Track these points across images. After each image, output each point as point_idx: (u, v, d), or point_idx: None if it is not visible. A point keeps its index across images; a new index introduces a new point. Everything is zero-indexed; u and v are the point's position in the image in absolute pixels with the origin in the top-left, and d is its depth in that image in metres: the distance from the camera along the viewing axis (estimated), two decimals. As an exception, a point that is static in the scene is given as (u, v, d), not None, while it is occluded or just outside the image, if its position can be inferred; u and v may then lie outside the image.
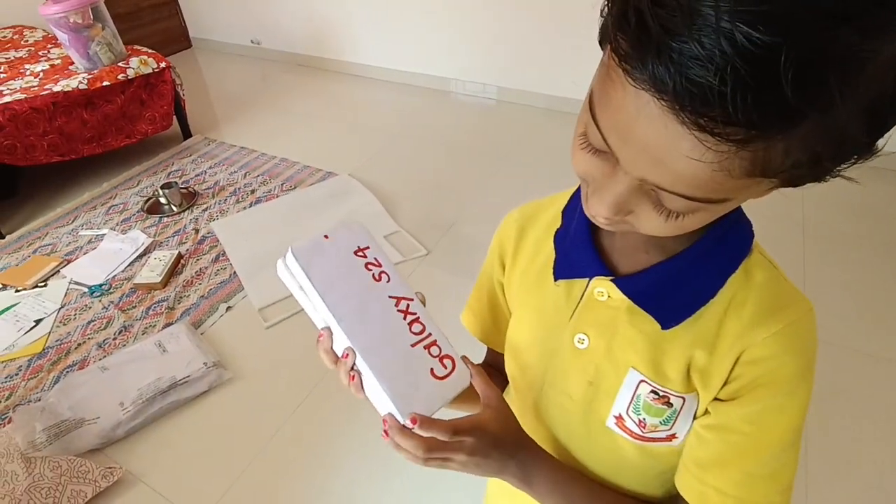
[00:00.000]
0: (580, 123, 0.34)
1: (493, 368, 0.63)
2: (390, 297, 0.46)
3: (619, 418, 0.45)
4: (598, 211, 0.35)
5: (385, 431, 0.42)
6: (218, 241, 2.22)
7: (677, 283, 0.42)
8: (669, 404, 0.43)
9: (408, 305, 0.46)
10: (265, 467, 1.44)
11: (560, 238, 0.49)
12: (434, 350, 0.45)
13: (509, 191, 2.47)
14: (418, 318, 0.46)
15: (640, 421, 0.44)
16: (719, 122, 0.24)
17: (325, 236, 0.46)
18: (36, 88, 2.35)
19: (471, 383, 0.45)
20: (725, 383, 0.41)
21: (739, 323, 0.40)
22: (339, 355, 0.44)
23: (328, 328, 0.44)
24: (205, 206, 2.45)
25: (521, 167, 2.65)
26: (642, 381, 0.43)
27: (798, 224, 2.19)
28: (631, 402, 0.44)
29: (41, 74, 2.52)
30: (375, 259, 0.47)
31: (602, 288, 0.45)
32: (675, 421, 0.43)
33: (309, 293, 0.44)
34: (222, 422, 1.55)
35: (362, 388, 0.43)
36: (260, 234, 2.25)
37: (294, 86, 3.68)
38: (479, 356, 0.69)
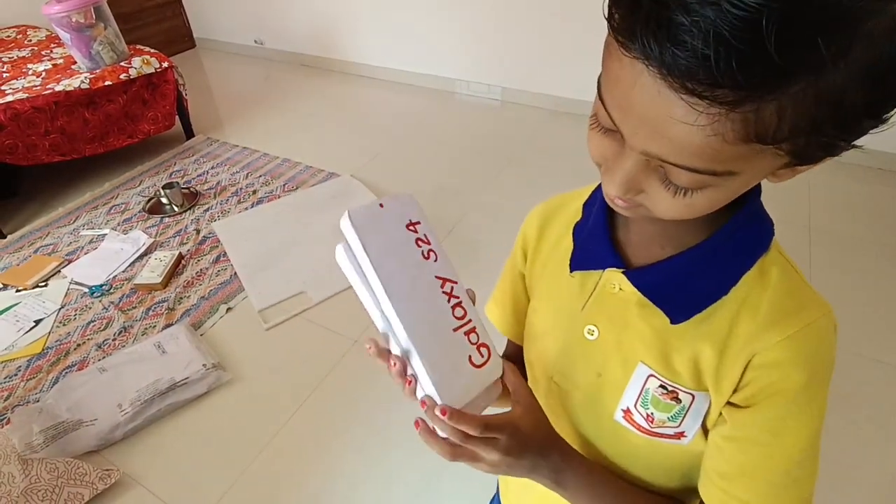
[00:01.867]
0: (593, 107, 0.35)
1: (511, 362, 0.64)
2: (437, 277, 0.43)
3: (626, 412, 0.45)
4: (609, 190, 0.35)
5: (416, 422, 0.41)
6: (219, 241, 2.21)
7: (689, 277, 0.41)
8: (678, 400, 0.42)
9: (452, 288, 0.43)
10: (264, 470, 1.43)
11: (579, 231, 0.50)
12: (473, 337, 0.43)
13: (513, 192, 2.46)
14: (461, 302, 0.43)
15: (648, 415, 0.44)
16: (706, 84, 0.25)
17: (381, 204, 0.43)
18: (38, 88, 2.35)
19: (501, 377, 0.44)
20: (737, 388, 0.40)
21: (752, 324, 0.39)
22: (397, 354, 0.42)
23: (383, 313, 0.41)
24: (206, 206, 2.44)
25: (525, 168, 2.64)
26: (651, 375, 0.43)
27: (804, 227, 2.16)
28: (639, 396, 0.44)
29: (43, 74, 2.52)
30: (425, 236, 0.44)
31: (614, 280, 0.45)
32: (684, 418, 0.43)
33: (363, 265, 0.41)
34: (221, 424, 1.54)
35: (414, 392, 0.41)
36: (261, 234, 2.24)
37: (297, 86, 3.68)
38: (500, 350, 0.69)
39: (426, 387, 0.41)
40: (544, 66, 3.06)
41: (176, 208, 2.41)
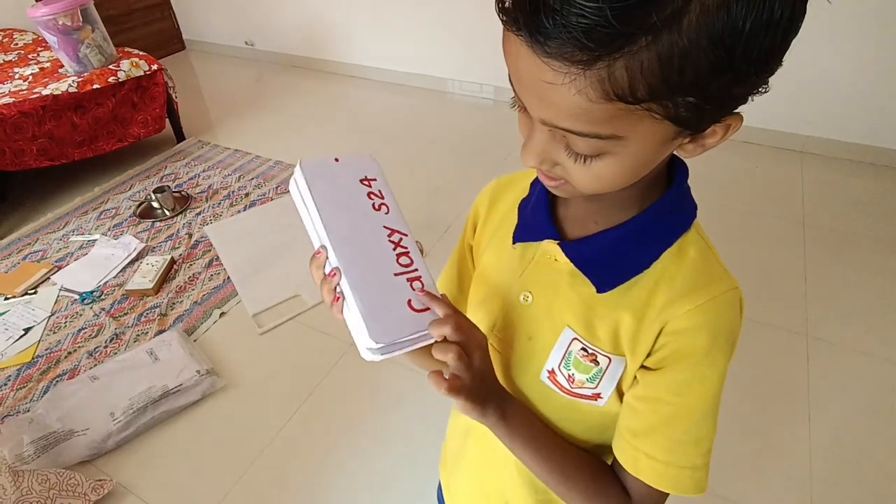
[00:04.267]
0: None
1: None
2: (385, 226, 0.46)
3: (551, 373, 0.49)
4: (525, 160, 0.39)
5: (435, 372, 0.43)
6: (211, 245, 2.19)
7: (616, 251, 0.45)
8: (596, 362, 0.47)
9: (400, 239, 0.46)
10: (259, 478, 1.41)
11: (523, 206, 0.54)
12: (416, 284, 0.45)
13: (507, 191, 2.44)
14: (408, 252, 0.46)
15: (569, 376, 0.48)
16: (558, 46, 0.29)
17: (336, 159, 0.47)
18: (25, 92, 2.32)
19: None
20: (651, 352, 0.44)
21: (667, 295, 0.43)
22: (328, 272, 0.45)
23: (324, 247, 0.45)
24: (198, 209, 2.42)
25: (517, 167, 2.61)
26: (575, 338, 0.47)
27: (798, 222, 2.16)
28: (563, 358, 0.48)
29: (30, 78, 2.49)
30: (379, 191, 0.48)
31: (551, 251, 0.49)
32: (601, 380, 0.47)
33: (308, 207, 0.45)
34: (215, 431, 1.52)
35: (342, 310, 0.45)
36: (254, 238, 2.21)
37: (289, 87, 3.65)
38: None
39: (357, 321, 0.43)
40: (537, 65, 3.03)
41: (167, 212, 2.38)
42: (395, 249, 0.46)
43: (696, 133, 0.36)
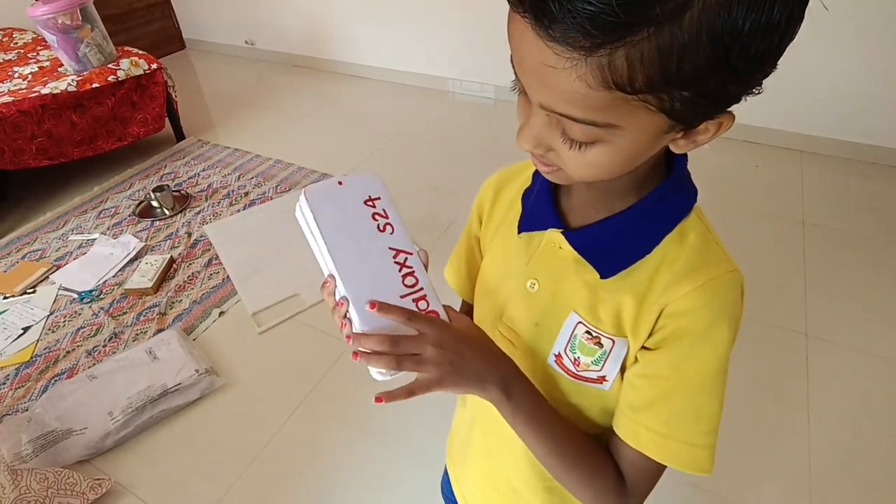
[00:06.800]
0: None
1: None
2: (390, 248, 0.47)
3: (558, 357, 0.51)
4: (520, 144, 0.40)
5: (354, 354, 0.43)
6: (211, 244, 2.18)
7: (618, 238, 0.47)
8: (600, 344, 0.48)
9: (406, 259, 0.48)
10: (258, 476, 1.40)
11: (527, 196, 0.55)
12: (422, 304, 0.47)
13: (506, 191, 2.44)
14: (413, 272, 0.47)
15: (575, 359, 0.50)
16: (562, 31, 0.30)
17: (340, 182, 0.48)
18: (24, 91, 2.32)
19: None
20: (651, 333, 0.45)
21: (668, 278, 0.44)
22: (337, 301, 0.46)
23: (332, 275, 0.46)
24: (198, 209, 2.42)
25: (518, 167, 2.62)
26: (580, 322, 0.49)
27: (798, 221, 2.16)
28: (569, 342, 0.50)
29: (30, 77, 2.49)
30: (384, 210, 0.49)
31: (555, 239, 0.50)
32: (605, 362, 0.48)
33: (315, 236, 0.46)
34: (214, 430, 1.52)
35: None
36: (253, 237, 2.21)
37: (289, 86, 3.65)
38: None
39: None
40: (537, 64, 3.03)
41: (167, 211, 2.38)
42: (400, 270, 0.47)
43: (688, 128, 0.36)
